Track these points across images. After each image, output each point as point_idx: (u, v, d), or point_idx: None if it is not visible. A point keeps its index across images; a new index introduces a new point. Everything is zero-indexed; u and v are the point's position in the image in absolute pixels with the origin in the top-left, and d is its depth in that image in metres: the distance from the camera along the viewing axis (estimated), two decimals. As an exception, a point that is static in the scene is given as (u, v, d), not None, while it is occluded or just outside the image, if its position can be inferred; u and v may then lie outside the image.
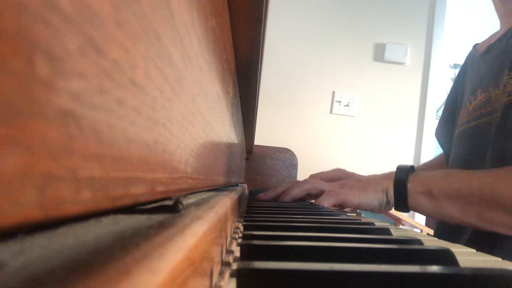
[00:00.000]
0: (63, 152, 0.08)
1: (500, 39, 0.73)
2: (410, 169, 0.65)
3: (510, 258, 0.28)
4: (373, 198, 0.65)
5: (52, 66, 0.08)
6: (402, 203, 0.62)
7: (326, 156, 2.07)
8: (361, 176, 0.75)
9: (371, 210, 0.67)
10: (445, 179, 0.60)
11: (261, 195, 0.78)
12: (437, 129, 0.95)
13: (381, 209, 0.67)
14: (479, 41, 0.86)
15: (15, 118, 0.07)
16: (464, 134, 0.75)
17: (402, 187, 0.62)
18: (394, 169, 0.68)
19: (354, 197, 0.65)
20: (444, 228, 0.76)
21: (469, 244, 0.53)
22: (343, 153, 2.08)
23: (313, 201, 0.75)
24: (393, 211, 1.81)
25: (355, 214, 0.59)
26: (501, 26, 0.77)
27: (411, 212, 1.99)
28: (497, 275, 0.20)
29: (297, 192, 0.73)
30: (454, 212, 0.58)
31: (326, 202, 0.65)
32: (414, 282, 0.20)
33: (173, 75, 0.18)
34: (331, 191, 0.67)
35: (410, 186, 0.62)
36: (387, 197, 0.64)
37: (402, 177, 0.63)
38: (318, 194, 0.71)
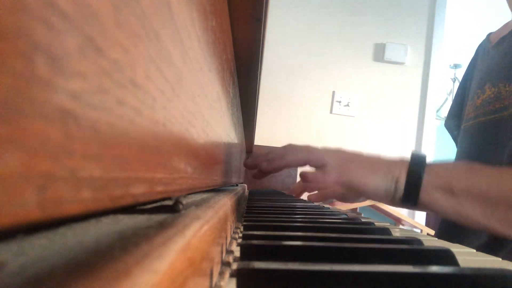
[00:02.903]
0: (63, 152, 0.08)
1: None
2: (426, 159, 0.55)
3: None
4: (380, 183, 0.54)
5: (52, 66, 0.08)
6: (413, 197, 0.53)
7: (326, 156, 2.06)
8: (368, 153, 0.59)
9: (374, 197, 0.55)
10: (470, 175, 0.51)
11: (249, 162, 0.64)
12: (446, 120, 0.92)
13: (385, 200, 0.55)
14: (479, 41, 0.85)
15: (15, 118, 0.07)
16: (471, 130, 0.73)
17: (416, 178, 0.52)
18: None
19: (361, 175, 0.54)
20: (447, 229, 0.75)
21: (481, 250, 0.46)
22: (343, 153, 2.08)
23: (306, 172, 0.59)
24: (393, 211, 1.81)
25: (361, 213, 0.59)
26: None
27: (411, 212, 1.99)
28: (498, 275, 0.20)
29: (292, 160, 0.59)
30: (475, 214, 0.50)
31: (327, 177, 0.54)
32: (414, 282, 0.20)
33: (173, 75, 0.18)
34: (334, 164, 0.55)
35: (426, 178, 0.52)
36: (395, 187, 0.53)
37: (418, 167, 0.53)
38: (316, 167, 0.57)
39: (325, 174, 0.54)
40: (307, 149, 0.58)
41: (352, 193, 0.57)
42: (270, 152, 0.62)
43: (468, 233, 0.67)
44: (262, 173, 0.62)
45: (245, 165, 0.65)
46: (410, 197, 0.53)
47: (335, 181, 0.54)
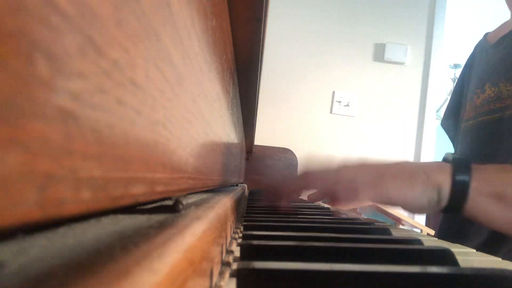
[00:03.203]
0: (63, 152, 0.08)
1: None
2: (470, 162, 0.49)
3: None
4: (422, 195, 0.47)
5: (52, 66, 0.08)
6: (459, 206, 0.47)
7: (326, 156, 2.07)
8: (398, 162, 0.52)
9: (418, 211, 0.50)
10: None
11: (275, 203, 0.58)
12: (443, 120, 0.92)
13: (429, 211, 0.50)
14: (479, 41, 0.85)
15: (15, 118, 0.07)
16: (471, 130, 0.73)
17: (463, 185, 0.46)
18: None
19: (399, 192, 0.47)
20: (448, 230, 0.75)
21: (481, 249, 0.43)
22: (343, 153, 2.08)
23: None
24: (393, 211, 1.81)
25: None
26: None
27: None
28: (498, 275, 0.20)
29: (321, 191, 0.53)
30: None
31: (359, 196, 0.48)
32: (414, 282, 0.20)
33: (173, 75, 0.18)
34: (363, 182, 0.49)
35: (474, 185, 0.46)
36: (438, 196, 0.47)
37: (463, 173, 0.47)
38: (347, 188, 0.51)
39: (357, 193, 0.48)
40: (338, 171, 0.51)
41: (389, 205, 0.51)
42: (284, 184, 0.58)
43: (468, 233, 0.67)
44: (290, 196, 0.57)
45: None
46: (456, 206, 0.47)
47: (370, 199, 0.48)
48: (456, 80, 0.91)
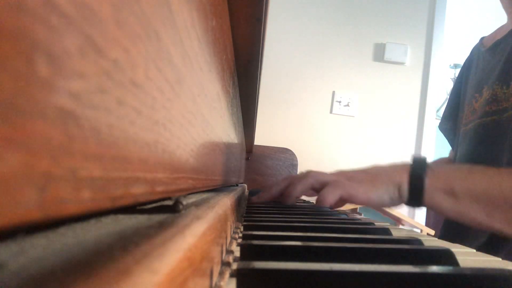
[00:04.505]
0: (63, 152, 0.08)
1: (509, 35, 0.71)
2: (427, 162, 0.57)
3: None
4: (383, 193, 0.56)
5: (52, 66, 0.08)
6: (417, 199, 0.55)
7: (326, 156, 2.07)
8: (367, 167, 0.62)
9: (381, 205, 0.59)
10: (470, 177, 0.53)
11: (254, 198, 0.69)
12: (441, 123, 0.93)
13: (391, 204, 0.58)
14: (475, 45, 0.86)
15: (15, 118, 0.07)
16: (470, 133, 0.74)
17: (419, 182, 0.54)
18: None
19: (363, 191, 0.56)
20: (449, 230, 0.75)
21: (482, 249, 0.45)
22: (343, 153, 2.08)
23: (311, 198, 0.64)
24: (393, 211, 1.81)
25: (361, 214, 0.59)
26: (508, 20, 0.75)
27: (411, 212, 1.99)
28: (498, 275, 0.20)
29: (300, 190, 0.62)
30: (478, 215, 0.52)
31: (330, 195, 0.56)
32: (414, 282, 0.20)
33: (173, 75, 0.18)
34: (336, 182, 0.57)
35: (428, 181, 0.54)
36: (399, 192, 0.55)
37: (419, 172, 0.54)
38: (321, 188, 0.60)
39: (327, 193, 0.56)
40: (308, 174, 0.61)
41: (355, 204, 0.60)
42: (273, 184, 0.67)
43: (469, 233, 0.67)
44: (284, 202, 0.64)
45: (262, 198, 0.68)
46: (414, 200, 0.55)
47: (339, 197, 0.56)
48: (453, 84, 0.91)
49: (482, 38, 0.83)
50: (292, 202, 0.63)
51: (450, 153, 0.93)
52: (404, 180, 0.55)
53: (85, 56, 0.09)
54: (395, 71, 2.14)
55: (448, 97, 0.94)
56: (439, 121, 0.95)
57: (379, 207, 0.60)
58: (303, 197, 1.03)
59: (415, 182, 0.54)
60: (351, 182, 0.58)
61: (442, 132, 0.93)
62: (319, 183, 0.60)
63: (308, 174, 0.62)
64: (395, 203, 0.57)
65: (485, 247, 0.63)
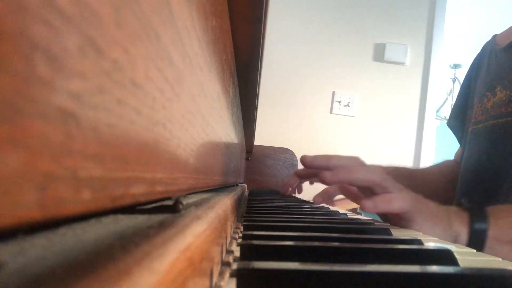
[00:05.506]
0: (63, 152, 0.08)
1: None
2: (487, 212, 0.50)
3: None
4: (439, 236, 0.47)
5: (52, 66, 0.08)
6: (475, 249, 0.47)
7: (326, 156, 2.06)
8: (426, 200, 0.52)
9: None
10: None
11: (308, 159, 0.57)
12: (449, 120, 0.91)
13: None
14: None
15: (15, 118, 0.07)
16: (481, 133, 0.73)
17: (480, 236, 0.48)
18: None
19: (421, 224, 0.48)
20: None
21: None
22: (343, 153, 2.08)
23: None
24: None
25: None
26: None
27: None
28: (497, 275, 0.20)
29: (360, 179, 0.51)
30: None
31: (399, 202, 0.47)
32: (414, 282, 0.20)
33: (173, 75, 0.18)
34: (401, 196, 0.49)
35: (491, 234, 0.47)
36: (455, 241, 0.48)
37: (481, 222, 0.48)
38: (374, 192, 0.50)
39: (398, 199, 0.48)
40: (377, 170, 0.52)
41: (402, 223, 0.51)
42: (332, 157, 0.57)
43: None
44: (328, 182, 0.53)
45: (298, 175, 0.57)
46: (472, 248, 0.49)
47: (401, 211, 0.48)
48: (463, 80, 0.90)
49: (495, 36, 0.81)
50: (342, 182, 0.53)
51: (456, 155, 0.92)
52: (463, 231, 0.48)
53: (85, 56, 0.09)
54: (395, 71, 2.14)
55: (457, 94, 0.93)
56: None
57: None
58: (300, 196, 1.03)
59: (475, 236, 0.48)
60: (415, 204, 0.49)
61: (450, 128, 0.92)
62: (383, 189, 0.50)
63: (377, 169, 0.51)
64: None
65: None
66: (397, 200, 0.48)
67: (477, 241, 0.48)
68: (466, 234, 0.48)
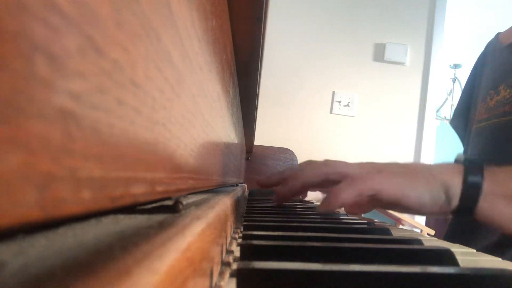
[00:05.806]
0: (63, 152, 0.08)
1: None
2: (483, 162, 0.46)
3: None
4: (424, 191, 0.44)
5: (52, 66, 0.08)
6: (470, 207, 0.44)
7: (326, 156, 2.05)
8: (405, 162, 0.49)
9: (417, 209, 0.45)
10: None
11: (262, 180, 0.57)
12: (452, 119, 0.91)
13: (430, 211, 0.46)
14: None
15: (15, 118, 0.07)
16: (484, 131, 0.72)
17: (475, 186, 0.44)
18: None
19: (395, 186, 0.44)
20: (455, 232, 0.74)
21: (493, 248, 0.40)
22: (343, 153, 2.08)
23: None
24: (393, 211, 1.81)
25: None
26: None
27: (411, 212, 1.99)
28: (498, 275, 0.20)
29: (309, 177, 0.50)
30: None
31: (344, 192, 0.43)
32: (414, 282, 0.20)
33: (173, 75, 0.18)
34: (357, 175, 0.46)
35: (487, 186, 0.44)
36: (446, 196, 0.45)
37: (476, 174, 0.44)
38: (337, 181, 0.47)
39: (343, 189, 0.44)
40: (325, 162, 0.50)
41: (383, 206, 0.47)
42: (284, 170, 0.56)
43: (480, 231, 0.66)
44: (282, 197, 0.54)
45: (259, 183, 0.57)
46: (467, 208, 0.45)
47: (360, 194, 0.43)
48: (466, 80, 0.89)
49: (498, 34, 0.81)
50: (297, 188, 0.51)
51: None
52: (455, 182, 0.45)
53: (85, 56, 0.09)
54: (395, 71, 2.14)
55: (460, 93, 0.93)
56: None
57: (409, 212, 0.47)
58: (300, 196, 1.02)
59: (470, 185, 0.44)
60: (377, 173, 0.45)
61: (453, 128, 0.91)
62: (338, 174, 0.47)
63: (325, 162, 0.50)
64: (438, 209, 0.45)
65: (496, 246, 0.61)
66: (343, 190, 0.44)
67: (472, 194, 0.44)
68: (459, 186, 0.44)
